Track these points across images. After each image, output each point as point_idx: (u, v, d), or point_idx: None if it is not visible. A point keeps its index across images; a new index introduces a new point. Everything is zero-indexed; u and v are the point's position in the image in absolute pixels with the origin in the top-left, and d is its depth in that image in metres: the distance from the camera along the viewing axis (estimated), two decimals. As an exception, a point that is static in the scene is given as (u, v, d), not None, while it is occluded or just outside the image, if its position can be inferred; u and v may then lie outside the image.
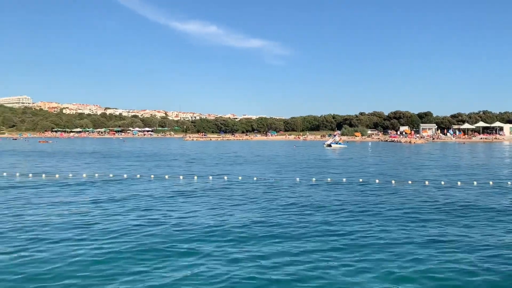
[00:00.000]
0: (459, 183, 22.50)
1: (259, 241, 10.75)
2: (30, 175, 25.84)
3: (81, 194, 18.56)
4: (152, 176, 25.47)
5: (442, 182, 22.70)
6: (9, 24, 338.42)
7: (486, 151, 61.57)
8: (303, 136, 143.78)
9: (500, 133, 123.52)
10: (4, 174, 26.03)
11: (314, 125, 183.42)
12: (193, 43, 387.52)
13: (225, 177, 24.57)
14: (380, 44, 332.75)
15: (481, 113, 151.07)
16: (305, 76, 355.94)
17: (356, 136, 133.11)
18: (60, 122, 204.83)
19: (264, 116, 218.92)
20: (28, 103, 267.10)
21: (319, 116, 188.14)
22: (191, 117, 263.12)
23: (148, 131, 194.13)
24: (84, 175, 25.99)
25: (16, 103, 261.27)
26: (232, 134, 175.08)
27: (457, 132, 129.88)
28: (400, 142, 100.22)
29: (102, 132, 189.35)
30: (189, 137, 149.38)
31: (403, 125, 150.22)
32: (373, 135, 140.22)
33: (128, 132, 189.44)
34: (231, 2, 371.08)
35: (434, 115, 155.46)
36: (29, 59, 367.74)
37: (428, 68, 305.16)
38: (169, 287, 7.82)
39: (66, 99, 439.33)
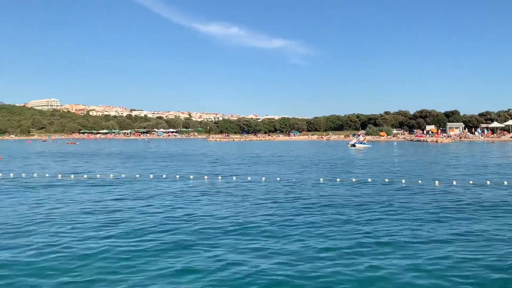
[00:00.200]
0: (488, 182, 21.93)
1: (282, 238, 10.78)
2: (60, 175, 26.60)
3: (109, 194, 18.99)
4: (178, 176, 25.80)
5: (470, 182, 22.18)
6: (37, 28, 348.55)
7: (517, 150, 59.76)
8: (327, 136, 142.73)
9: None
10: (35, 175, 26.85)
11: (338, 125, 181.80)
12: (215, 45, 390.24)
13: (249, 177, 24.67)
14: (405, 41, 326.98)
15: (511, 111, 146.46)
16: (328, 75, 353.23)
17: (381, 136, 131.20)
18: (87, 124, 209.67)
19: (286, 116, 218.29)
20: (56, 106, 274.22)
21: (342, 115, 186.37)
22: (214, 118, 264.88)
23: (172, 132, 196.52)
24: (111, 175, 26.57)
25: (45, 105, 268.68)
26: (255, 134, 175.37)
27: (486, 131, 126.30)
28: (427, 141, 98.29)
29: (127, 134, 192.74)
30: (212, 137, 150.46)
31: (429, 124, 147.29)
32: (398, 135, 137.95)
33: (153, 133, 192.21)
34: (252, 3, 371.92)
35: (461, 114, 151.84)
36: (56, 62, 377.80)
37: (455, 66, 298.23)
38: (193, 282, 7.94)
39: (93, 101, 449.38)
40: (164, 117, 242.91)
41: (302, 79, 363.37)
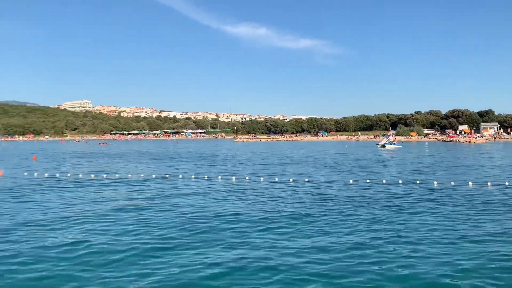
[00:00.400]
0: (526, 184, 21.12)
1: (310, 237, 10.70)
2: (92, 175, 27.33)
3: (140, 192, 19.37)
4: (206, 176, 26.03)
5: (506, 183, 21.42)
6: (69, 32, 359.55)
7: (556, 151, 57.27)
8: (355, 137, 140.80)
9: None
10: (68, 174, 27.67)
11: (367, 125, 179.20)
12: (243, 46, 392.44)
13: (276, 178, 24.62)
14: (436, 38, 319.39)
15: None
16: (357, 74, 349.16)
17: (411, 136, 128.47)
18: (118, 124, 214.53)
19: (314, 116, 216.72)
20: (89, 107, 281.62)
21: (372, 115, 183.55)
22: (241, 119, 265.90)
23: (200, 132, 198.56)
24: (142, 175, 27.08)
25: (78, 107, 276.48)
26: (282, 135, 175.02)
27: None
28: (459, 142, 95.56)
29: (157, 134, 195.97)
30: (240, 138, 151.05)
31: (462, 124, 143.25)
32: (429, 135, 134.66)
33: (181, 134, 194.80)
34: (280, 4, 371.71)
35: (496, 113, 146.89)
36: (89, 65, 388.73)
37: (489, 63, 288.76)
38: (220, 277, 8.00)
39: (124, 102, 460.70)
40: (192, 118, 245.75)
41: (330, 79, 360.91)
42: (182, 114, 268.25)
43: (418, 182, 22.53)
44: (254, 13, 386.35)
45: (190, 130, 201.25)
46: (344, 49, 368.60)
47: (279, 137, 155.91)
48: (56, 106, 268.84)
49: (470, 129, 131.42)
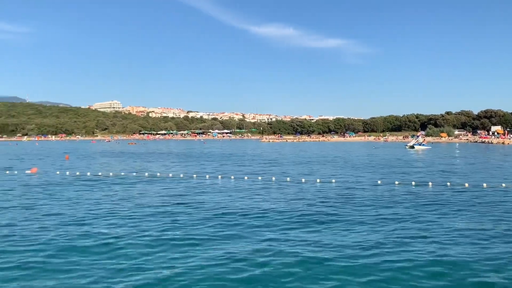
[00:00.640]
0: None
1: (336, 234, 10.62)
2: (123, 173, 27.96)
3: (168, 190, 19.67)
4: (232, 177, 26.18)
5: (543, 187, 20.64)
6: (99, 34, 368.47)
7: None
8: (384, 137, 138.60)
9: None
10: (100, 173, 28.38)
11: (396, 125, 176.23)
12: (270, 46, 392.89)
13: (303, 179, 24.50)
14: (468, 36, 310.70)
15: None
16: (385, 74, 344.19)
17: (442, 137, 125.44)
18: (147, 125, 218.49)
19: (341, 116, 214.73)
20: (118, 108, 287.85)
21: (401, 116, 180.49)
22: (268, 119, 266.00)
23: (226, 133, 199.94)
24: (171, 174, 27.50)
25: (108, 107, 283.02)
26: (308, 135, 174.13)
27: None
28: (492, 143, 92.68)
29: (184, 134, 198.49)
30: (266, 138, 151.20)
31: (494, 124, 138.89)
32: (460, 136, 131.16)
33: (208, 134, 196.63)
34: (307, 3, 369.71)
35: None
36: (118, 66, 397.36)
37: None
38: (241, 270, 8.06)
39: (152, 103, 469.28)
40: (218, 118, 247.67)
41: (358, 78, 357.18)
42: (208, 115, 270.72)
43: (448, 184, 21.99)
44: (281, 13, 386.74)
45: (216, 131, 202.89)
46: (373, 48, 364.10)
47: (305, 138, 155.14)
48: (87, 107, 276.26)
49: (504, 130, 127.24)
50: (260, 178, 25.44)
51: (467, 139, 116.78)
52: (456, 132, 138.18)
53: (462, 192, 19.33)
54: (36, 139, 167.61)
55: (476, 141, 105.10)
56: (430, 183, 22.25)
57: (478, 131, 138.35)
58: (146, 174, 27.71)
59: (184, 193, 19.33)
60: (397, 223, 12.73)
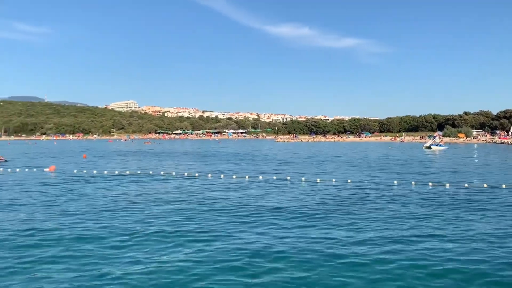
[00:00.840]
0: None
1: (350, 230, 10.55)
2: (139, 171, 28.26)
3: (183, 188, 19.80)
4: (247, 176, 26.19)
5: None
6: (115, 35, 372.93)
7: None
8: (400, 138, 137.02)
9: None
10: (116, 172, 28.72)
11: (412, 125, 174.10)
12: (285, 46, 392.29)
13: (318, 179, 24.36)
14: (485, 37, 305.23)
15: None
16: (402, 73, 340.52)
17: (459, 138, 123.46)
18: (163, 124, 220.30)
19: (357, 116, 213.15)
20: (135, 107, 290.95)
21: (418, 116, 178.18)
22: (282, 119, 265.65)
23: (241, 132, 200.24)
24: (186, 173, 27.67)
25: (124, 107, 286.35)
26: (323, 135, 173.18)
27: None
28: (511, 144, 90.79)
29: (199, 134, 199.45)
30: (280, 138, 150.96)
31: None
32: (479, 137, 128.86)
33: (223, 134, 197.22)
34: (322, 3, 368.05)
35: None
36: (134, 67, 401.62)
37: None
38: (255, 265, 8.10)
39: (168, 103, 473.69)
40: (233, 118, 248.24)
41: (374, 78, 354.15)
42: (223, 114, 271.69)
43: (466, 185, 21.61)
44: (296, 13, 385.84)
45: (231, 130, 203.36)
46: (389, 47, 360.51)
47: (320, 138, 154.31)
48: (104, 106, 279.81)
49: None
50: (274, 177, 25.42)
51: (485, 140, 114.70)
52: (475, 133, 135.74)
53: (480, 193, 18.99)
54: (54, 138, 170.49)
55: (495, 142, 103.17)
56: (447, 184, 21.91)
57: (497, 132, 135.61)
58: (162, 172, 27.97)
59: (199, 191, 19.44)
60: (413, 222, 12.62)
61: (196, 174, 27.14)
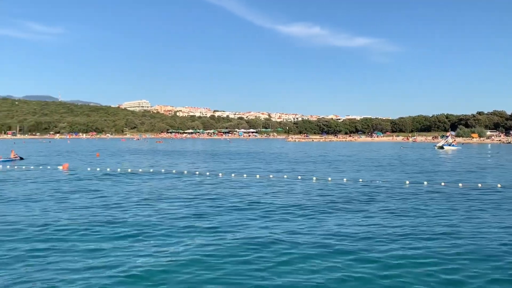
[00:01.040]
0: None
1: (361, 225, 10.56)
2: (151, 170, 28.54)
3: (194, 185, 19.96)
4: (258, 175, 26.25)
5: None
6: (128, 35, 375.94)
7: None
8: (412, 138, 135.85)
9: None
10: (129, 170, 29.02)
11: (425, 125, 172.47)
12: (296, 45, 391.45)
13: (329, 179, 24.31)
14: (497, 36, 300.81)
15: None
16: (414, 73, 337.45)
17: (473, 138, 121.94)
18: (174, 124, 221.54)
19: (369, 116, 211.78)
20: (147, 107, 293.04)
21: (430, 116, 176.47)
22: (294, 118, 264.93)
23: (252, 132, 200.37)
24: (197, 172, 27.87)
25: (137, 106, 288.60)
26: (335, 135, 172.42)
27: None
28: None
29: (211, 133, 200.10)
30: (291, 138, 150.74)
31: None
32: (493, 137, 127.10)
33: (234, 133, 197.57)
34: (334, 2, 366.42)
35: None
36: (147, 66, 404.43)
37: None
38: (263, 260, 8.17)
39: (180, 102, 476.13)
40: (244, 118, 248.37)
41: (386, 78, 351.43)
42: (235, 114, 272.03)
43: (479, 185, 21.38)
44: (308, 12, 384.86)
45: (242, 130, 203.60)
46: (401, 47, 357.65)
47: (332, 137, 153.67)
48: (117, 106, 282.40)
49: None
50: (285, 176, 25.45)
51: (499, 140, 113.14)
52: (488, 133, 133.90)
53: (493, 193, 18.79)
54: (68, 137, 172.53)
55: (509, 142, 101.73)
56: (460, 184, 21.72)
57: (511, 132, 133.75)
58: (174, 171, 28.20)
59: (210, 189, 19.58)
60: (424, 220, 12.57)
61: (207, 173, 27.30)
